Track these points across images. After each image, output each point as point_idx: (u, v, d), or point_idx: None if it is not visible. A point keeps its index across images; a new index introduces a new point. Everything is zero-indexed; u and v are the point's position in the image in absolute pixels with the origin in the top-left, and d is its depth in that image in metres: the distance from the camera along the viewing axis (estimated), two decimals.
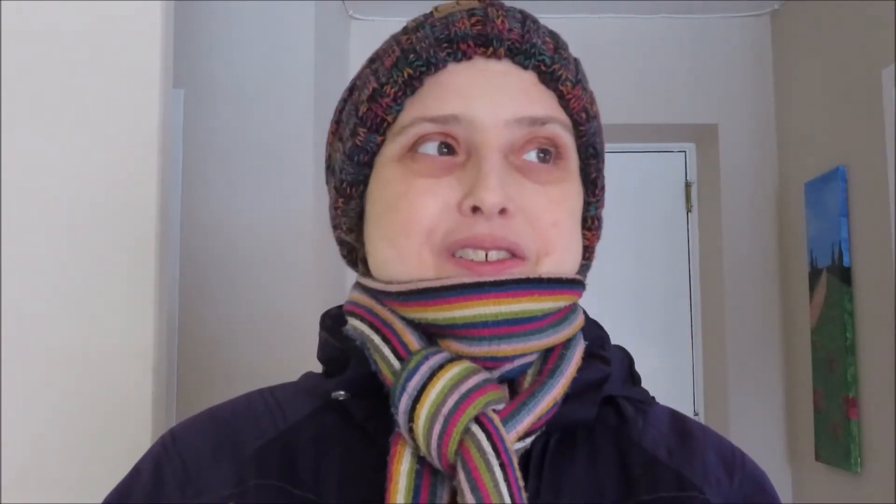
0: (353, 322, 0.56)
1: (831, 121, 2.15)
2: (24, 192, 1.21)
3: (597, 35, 2.51)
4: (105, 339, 1.20)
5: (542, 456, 0.54)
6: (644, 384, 0.63)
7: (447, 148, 0.54)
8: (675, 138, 2.69)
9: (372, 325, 0.55)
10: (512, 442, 0.50)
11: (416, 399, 0.49)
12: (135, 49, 1.25)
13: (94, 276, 1.21)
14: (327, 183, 0.63)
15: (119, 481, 0.58)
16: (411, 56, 0.55)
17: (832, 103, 2.14)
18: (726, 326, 2.48)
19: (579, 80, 0.57)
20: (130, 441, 1.17)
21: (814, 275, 2.19)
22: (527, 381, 0.54)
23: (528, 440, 0.52)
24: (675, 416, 0.61)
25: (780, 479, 2.39)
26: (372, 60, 0.59)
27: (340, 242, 0.64)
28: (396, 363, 0.52)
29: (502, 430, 0.49)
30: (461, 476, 0.48)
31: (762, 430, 2.44)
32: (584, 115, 0.57)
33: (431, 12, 0.57)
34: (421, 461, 0.50)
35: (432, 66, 0.54)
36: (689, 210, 2.69)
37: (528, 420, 0.51)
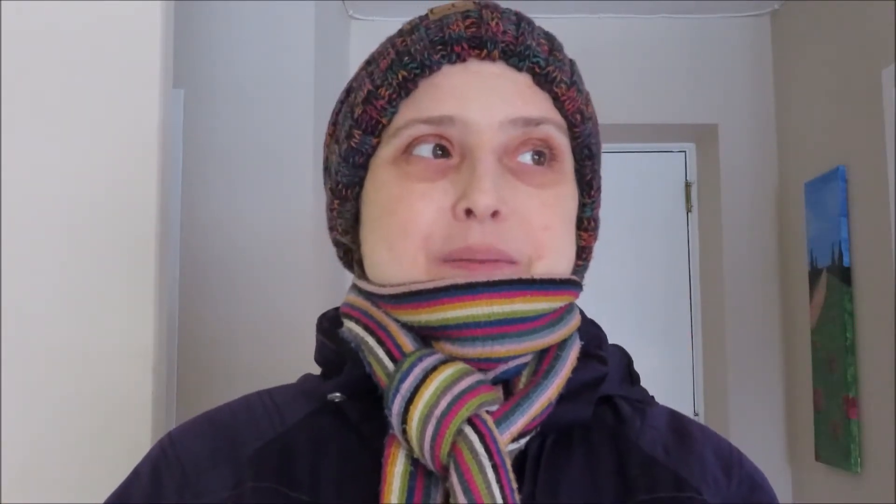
0: (349, 324, 0.57)
1: (831, 121, 2.15)
2: (24, 192, 1.21)
3: (597, 35, 2.51)
4: (105, 339, 1.20)
5: (539, 457, 0.53)
6: (644, 384, 0.63)
7: (441, 150, 0.54)
8: (675, 138, 2.69)
9: (367, 328, 0.55)
10: (506, 443, 0.50)
11: (410, 401, 0.49)
12: (135, 49, 1.25)
13: (94, 276, 1.21)
14: (324, 185, 0.63)
15: (118, 485, 0.58)
16: (406, 58, 0.55)
17: (832, 103, 2.14)
18: (726, 326, 2.48)
19: (574, 82, 0.57)
20: (130, 441, 1.17)
21: (814, 275, 2.19)
22: (522, 382, 0.54)
23: (523, 441, 0.52)
24: (674, 416, 0.61)
25: (780, 479, 2.39)
26: (368, 63, 0.59)
27: (336, 244, 0.64)
28: (390, 365, 0.52)
29: (495, 431, 0.49)
30: (454, 477, 0.48)
31: (762, 430, 2.44)
32: (578, 117, 0.57)
33: (427, 14, 0.57)
34: (415, 463, 0.50)
35: (426, 68, 0.54)
36: (689, 210, 2.69)
37: (521, 421, 0.51)
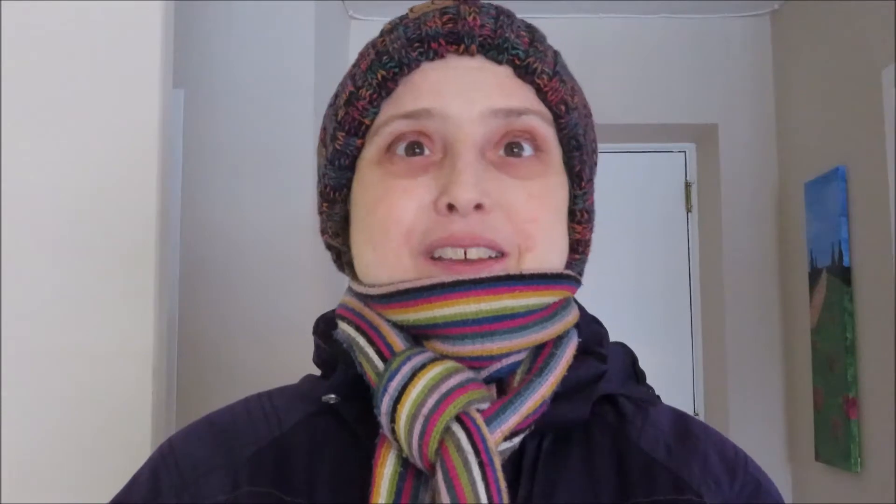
0: (342, 325, 0.57)
1: (831, 121, 2.15)
2: (24, 192, 1.21)
3: (597, 35, 2.51)
4: (105, 340, 1.20)
5: (536, 457, 0.53)
6: None
7: (418, 147, 0.54)
8: (675, 138, 2.69)
9: (358, 328, 0.55)
10: (497, 441, 0.49)
11: (398, 399, 0.49)
12: (135, 49, 1.25)
13: (95, 277, 1.21)
14: (316, 188, 0.63)
15: (118, 491, 0.58)
16: (385, 58, 0.55)
17: (832, 103, 2.14)
18: (726, 326, 2.48)
19: (557, 72, 0.57)
20: (130, 441, 1.17)
21: (814, 275, 2.19)
22: (516, 379, 0.53)
23: (516, 440, 0.51)
24: (678, 416, 0.60)
25: (780, 478, 2.39)
26: (352, 65, 0.59)
27: (329, 247, 0.64)
28: (380, 364, 0.52)
29: (484, 429, 0.49)
30: (439, 475, 0.48)
31: (762, 430, 2.44)
32: (563, 108, 0.57)
33: (407, 14, 0.58)
34: (405, 463, 0.50)
35: (405, 66, 0.54)
36: (688, 210, 2.69)
37: (513, 419, 0.50)
